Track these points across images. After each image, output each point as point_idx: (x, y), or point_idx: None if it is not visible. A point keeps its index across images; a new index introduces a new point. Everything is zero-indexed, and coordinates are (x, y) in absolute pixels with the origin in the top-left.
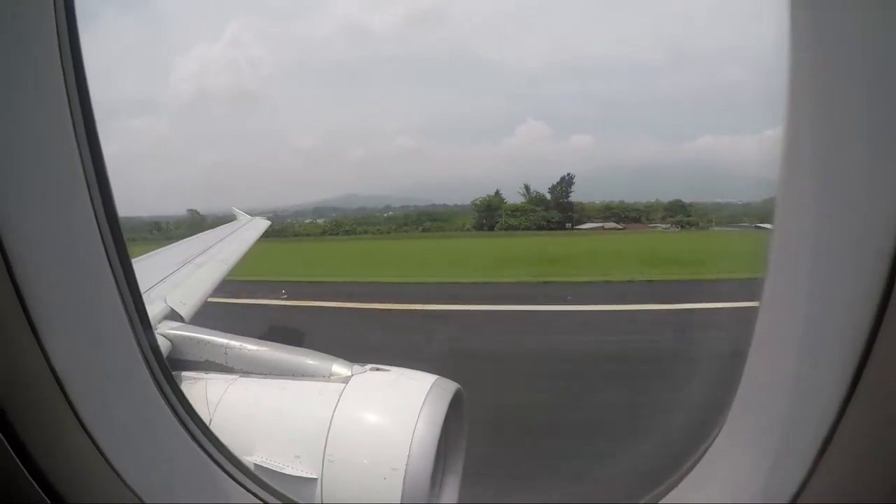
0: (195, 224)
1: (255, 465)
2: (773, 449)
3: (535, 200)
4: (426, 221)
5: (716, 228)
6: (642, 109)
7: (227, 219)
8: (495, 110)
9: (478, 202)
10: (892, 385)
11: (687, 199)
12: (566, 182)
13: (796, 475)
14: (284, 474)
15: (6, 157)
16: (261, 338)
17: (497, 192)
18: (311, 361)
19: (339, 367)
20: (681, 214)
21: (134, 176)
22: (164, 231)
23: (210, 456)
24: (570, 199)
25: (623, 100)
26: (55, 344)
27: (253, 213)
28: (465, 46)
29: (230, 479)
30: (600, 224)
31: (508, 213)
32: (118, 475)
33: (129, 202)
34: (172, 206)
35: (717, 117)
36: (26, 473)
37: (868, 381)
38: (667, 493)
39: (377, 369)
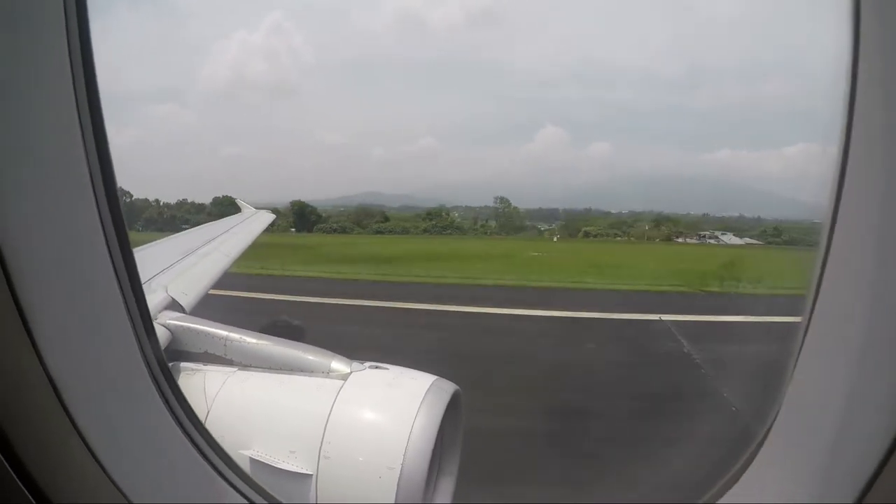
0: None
1: (250, 459)
2: (835, 446)
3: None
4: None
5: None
6: (661, 119)
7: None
8: (516, 115)
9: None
10: None
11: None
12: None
13: (862, 473)
14: (279, 469)
15: (5, 152)
16: None
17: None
18: (310, 357)
19: (339, 364)
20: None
21: (161, 164)
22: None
23: (204, 456)
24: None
25: (642, 109)
26: (49, 341)
27: (267, 207)
28: (493, 52)
29: (222, 480)
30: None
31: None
32: (108, 476)
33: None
34: (200, 194)
35: (738, 131)
36: (13, 475)
37: None
38: (724, 493)
39: (376, 367)
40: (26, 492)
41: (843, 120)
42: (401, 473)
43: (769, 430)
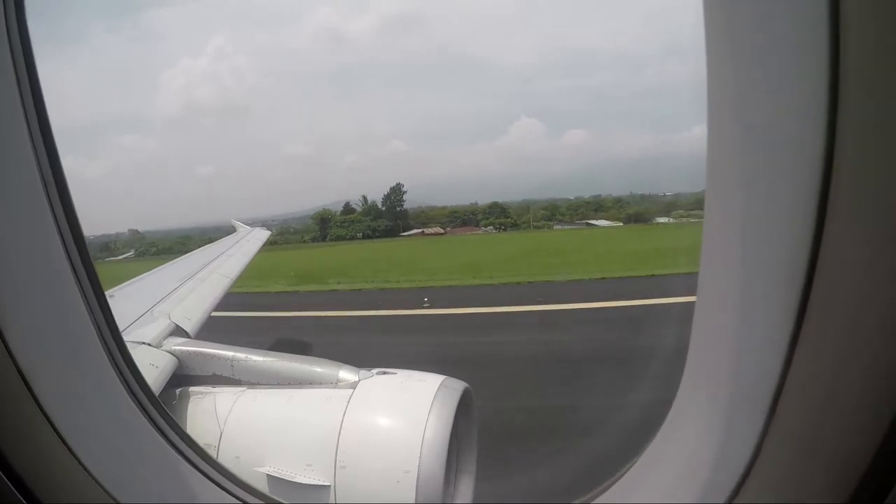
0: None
1: (267, 475)
2: (711, 448)
3: (368, 210)
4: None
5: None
6: (636, 101)
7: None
8: (489, 109)
9: (314, 216)
10: (815, 386)
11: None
12: (396, 191)
13: (733, 474)
14: (297, 483)
15: None
16: None
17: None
18: (317, 369)
19: (346, 373)
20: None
21: (132, 190)
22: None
23: (181, 454)
24: (402, 207)
25: (616, 93)
26: (20, 344)
27: (247, 223)
28: (457, 47)
29: (204, 478)
30: (420, 230)
31: (338, 224)
32: (90, 474)
33: (127, 217)
34: (170, 220)
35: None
36: (6, 480)
37: (795, 376)
38: (603, 493)
39: (384, 373)
40: (17, 494)
41: (707, 105)
42: (418, 476)
43: (660, 428)
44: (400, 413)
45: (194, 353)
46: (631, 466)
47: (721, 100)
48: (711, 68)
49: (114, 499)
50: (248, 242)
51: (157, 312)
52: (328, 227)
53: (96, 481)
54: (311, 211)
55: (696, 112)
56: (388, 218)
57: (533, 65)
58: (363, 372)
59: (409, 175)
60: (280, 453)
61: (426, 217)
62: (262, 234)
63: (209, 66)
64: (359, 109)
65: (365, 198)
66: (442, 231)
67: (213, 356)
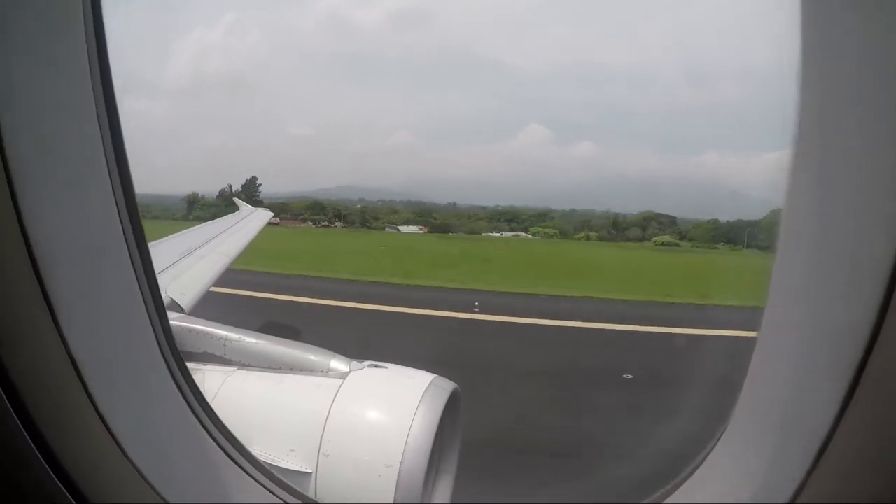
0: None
1: None
2: (773, 450)
3: (227, 199)
4: None
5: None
6: (648, 120)
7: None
8: (499, 112)
9: (185, 197)
10: (889, 389)
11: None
12: (252, 183)
13: (795, 476)
14: (279, 468)
15: (32, 148)
16: None
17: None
18: (309, 356)
19: (338, 363)
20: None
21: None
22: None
23: (228, 455)
24: (259, 197)
25: (629, 110)
26: (76, 337)
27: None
28: (473, 47)
29: (249, 478)
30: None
31: (200, 206)
32: (139, 472)
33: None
34: (175, 187)
35: (724, 134)
36: (49, 471)
37: (866, 385)
38: (670, 494)
39: (375, 366)
40: (65, 491)
41: (794, 124)
42: (399, 471)
43: (722, 433)
44: (387, 408)
45: (187, 328)
46: (696, 468)
47: (807, 120)
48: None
49: (163, 499)
50: (251, 222)
51: None
52: (193, 208)
53: (145, 479)
54: (310, 193)
55: (706, 137)
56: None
57: (547, 72)
58: (354, 363)
59: (410, 167)
60: (265, 436)
61: (279, 209)
62: (265, 215)
63: (221, 40)
64: (368, 99)
65: (230, 186)
66: (277, 221)
67: (205, 334)
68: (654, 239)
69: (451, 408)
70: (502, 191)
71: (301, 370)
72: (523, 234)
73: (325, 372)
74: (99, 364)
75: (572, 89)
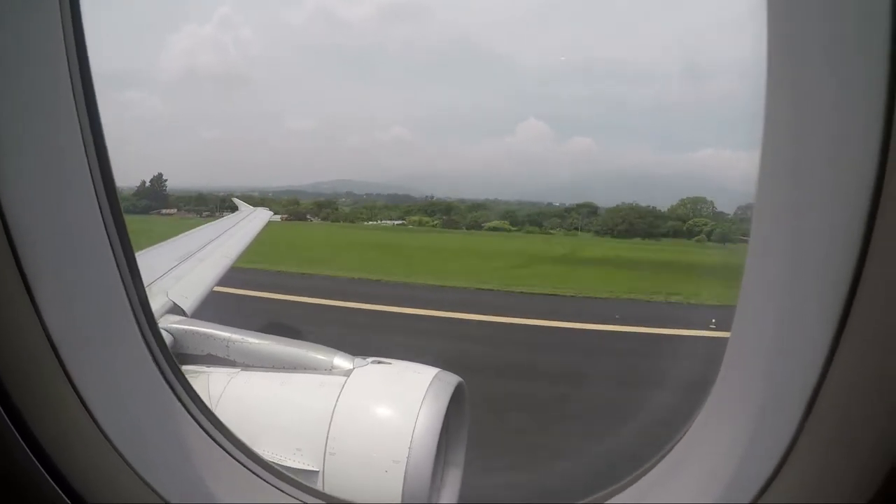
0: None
1: None
2: (738, 449)
3: (139, 192)
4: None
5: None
6: (645, 116)
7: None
8: (498, 107)
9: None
10: (855, 385)
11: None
12: (158, 179)
13: (760, 475)
14: (286, 467)
15: (10, 143)
16: None
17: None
18: (312, 354)
19: (341, 360)
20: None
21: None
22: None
23: (228, 452)
24: (164, 191)
25: (627, 105)
26: (60, 334)
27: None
28: (473, 41)
29: (252, 475)
30: (174, 210)
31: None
32: (135, 472)
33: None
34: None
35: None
36: (44, 472)
37: (831, 384)
38: (625, 489)
39: (379, 362)
40: (60, 492)
41: (763, 121)
42: (407, 467)
43: (686, 431)
44: (392, 403)
45: (190, 331)
46: (655, 465)
47: (776, 115)
48: (771, 78)
49: (162, 498)
50: (250, 223)
51: (156, 289)
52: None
53: (140, 477)
54: (310, 186)
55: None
56: (151, 199)
57: (549, 68)
58: (358, 360)
59: (406, 163)
60: (271, 436)
61: (183, 201)
62: (265, 215)
63: (214, 33)
64: (366, 94)
65: (144, 181)
66: (174, 212)
67: (209, 336)
68: (485, 224)
69: (457, 401)
70: (504, 186)
71: (305, 369)
72: (399, 223)
73: (329, 370)
74: (85, 362)
75: (566, 85)
